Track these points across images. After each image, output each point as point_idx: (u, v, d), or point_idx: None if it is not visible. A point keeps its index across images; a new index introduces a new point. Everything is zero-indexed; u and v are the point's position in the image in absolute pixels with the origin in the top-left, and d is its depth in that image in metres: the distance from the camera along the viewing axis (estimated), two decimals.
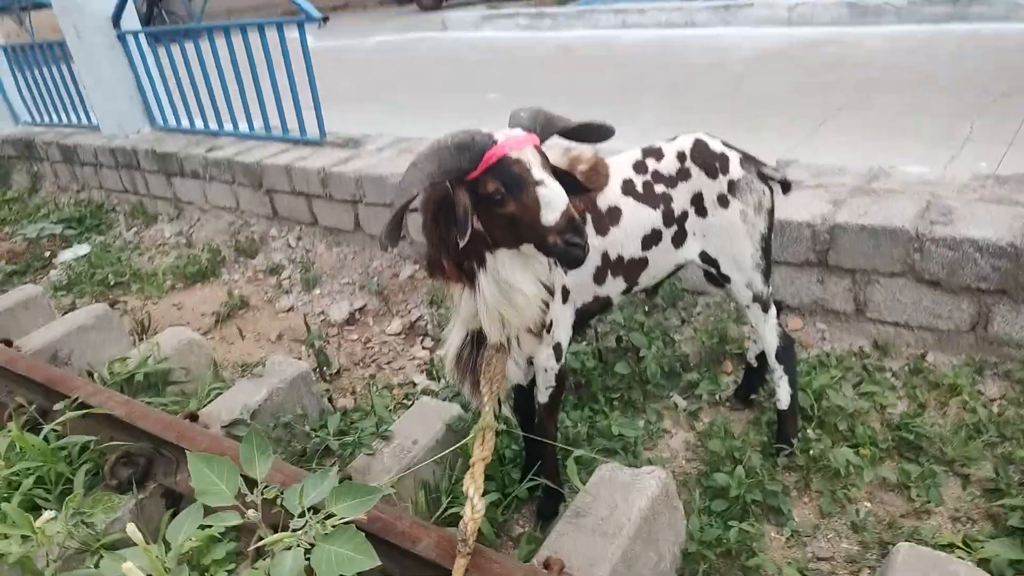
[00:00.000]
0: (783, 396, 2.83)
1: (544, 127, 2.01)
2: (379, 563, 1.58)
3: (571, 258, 1.89)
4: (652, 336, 3.51)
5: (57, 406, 2.87)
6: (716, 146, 2.52)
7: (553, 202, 1.84)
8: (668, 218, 2.49)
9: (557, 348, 2.42)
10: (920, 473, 2.69)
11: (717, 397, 3.27)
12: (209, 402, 3.21)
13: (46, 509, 2.46)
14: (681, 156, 2.49)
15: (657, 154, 2.52)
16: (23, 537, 2.06)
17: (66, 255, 6.20)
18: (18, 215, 7.25)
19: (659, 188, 2.47)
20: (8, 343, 3.62)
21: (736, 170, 2.49)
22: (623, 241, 2.44)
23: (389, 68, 10.11)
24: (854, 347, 3.42)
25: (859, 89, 6.25)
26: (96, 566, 1.95)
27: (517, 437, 2.93)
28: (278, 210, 5.64)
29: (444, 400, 3.26)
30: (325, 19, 4.96)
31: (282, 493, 1.89)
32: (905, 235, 3.16)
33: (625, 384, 3.37)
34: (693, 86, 7.06)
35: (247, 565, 2.02)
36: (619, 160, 2.52)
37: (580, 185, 2.12)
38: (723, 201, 2.49)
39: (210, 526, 1.82)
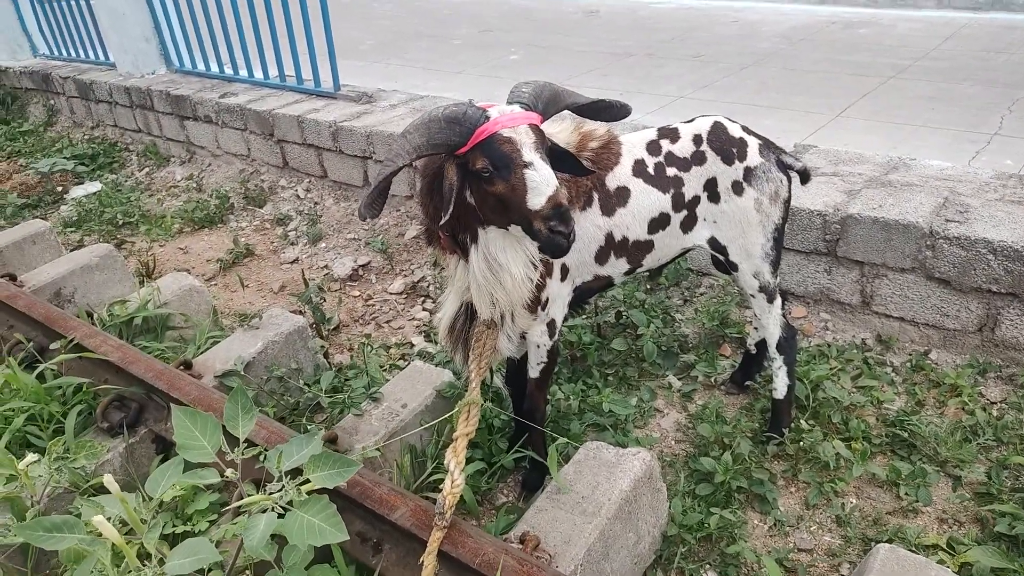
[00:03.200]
0: (780, 386, 2.80)
1: (549, 103, 1.94)
2: (347, 538, 1.58)
3: (554, 246, 1.81)
4: (652, 314, 3.47)
5: (53, 346, 2.89)
6: (735, 131, 2.43)
7: (540, 187, 1.77)
8: (678, 202, 2.42)
9: (551, 325, 2.39)
10: (911, 471, 2.66)
11: (713, 380, 3.25)
12: (205, 350, 3.22)
13: (36, 449, 2.50)
14: (697, 139, 2.41)
15: (673, 135, 2.44)
16: (9, 477, 2.08)
17: (77, 191, 6.20)
18: (33, 148, 7.23)
19: (671, 171, 2.40)
20: (12, 278, 3.63)
21: (754, 157, 2.40)
22: (629, 223, 2.37)
23: (412, 24, 9.94)
24: (856, 339, 3.37)
25: (888, 75, 6.08)
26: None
27: (507, 407, 2.92)
28: (288, 161, 5.60)
29: (439, 364, 3.25)
30: None
31: (265, 451, 1.89)
32: (919, 231, 3.09)
33: (621, 360, 3.35)
34: (718, 59, 6.89)
35: (230, 517, 2.03)
36: (633, 139, 2.44)
37: (582, 167, 2.06)
38: (738, 188, 2.41)
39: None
